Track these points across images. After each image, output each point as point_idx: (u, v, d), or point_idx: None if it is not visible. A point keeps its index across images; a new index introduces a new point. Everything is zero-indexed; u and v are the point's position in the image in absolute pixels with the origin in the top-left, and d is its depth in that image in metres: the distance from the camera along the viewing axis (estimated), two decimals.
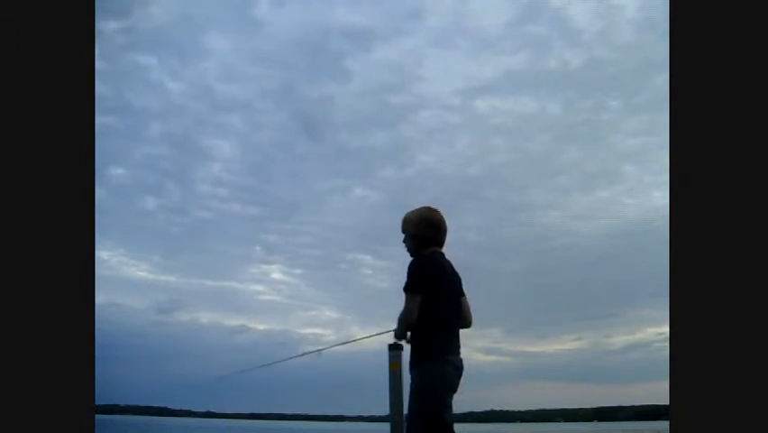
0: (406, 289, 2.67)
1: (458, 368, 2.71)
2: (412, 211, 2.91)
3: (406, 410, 2.77)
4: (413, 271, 2.70)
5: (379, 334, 3.00)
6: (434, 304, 2.68)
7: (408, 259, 2.83)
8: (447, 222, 2.89)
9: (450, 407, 2.64)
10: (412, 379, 2.67)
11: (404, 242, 2.92)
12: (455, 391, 2.68)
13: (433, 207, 2.91)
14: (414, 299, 2.63)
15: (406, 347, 2.87)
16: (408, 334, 2.82)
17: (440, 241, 2.86)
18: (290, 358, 3.52)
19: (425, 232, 2.84)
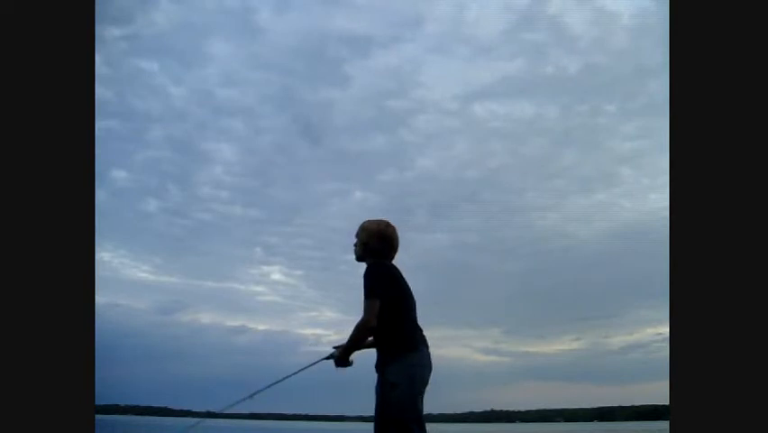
0: (365, 296, 2.68)
1: (430, 361, 2.74)
2: (370, 221, 2.97)
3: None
4: (370, 277, 2.73)
5: (321, 360, 2.96)
6: (400, 302, 2.74)
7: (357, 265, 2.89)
8: (399, 241, 2.95)
9: (422, 401, 2.66)
10: (386, 375, 2.66)
11: (354, 246, 2.97)
12: (427, 385, 2.70)
13: (391, 223, 2.97)
14: (373, 305, 2.64)
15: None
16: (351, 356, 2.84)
17: (389, 256, 2.91)
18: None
19: (375, 244, 2.89)
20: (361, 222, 2.99)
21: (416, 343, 2.71)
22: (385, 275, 2.77)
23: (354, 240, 2.98)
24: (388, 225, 2.96)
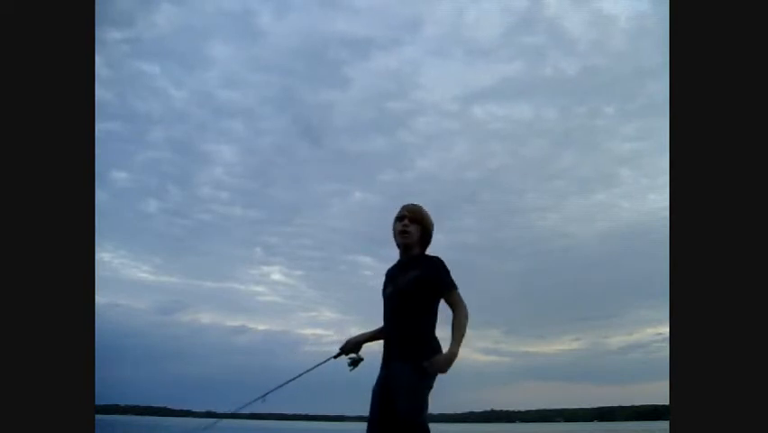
0: (454, 285, 2.64)
1: None
2: (427, 211, 2.86)
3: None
4: (445, 268, 2.69)
5: (336, 356, 2.90)
6: (438, 305, 2.70)
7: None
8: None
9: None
10: (412, 379, 2.55)
11: (406, 226, 2.79)
12: None
13: None
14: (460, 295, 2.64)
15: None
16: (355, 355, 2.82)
17: (425, 249, 2.87)
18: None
19: (429, 235, 2.85)
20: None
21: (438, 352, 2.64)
22: None
23: (405, 221, 2.80)
24: None
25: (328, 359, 2.91)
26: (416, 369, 2.53)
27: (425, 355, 2.55)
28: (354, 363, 2.85)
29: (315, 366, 2.93)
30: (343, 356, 2.88)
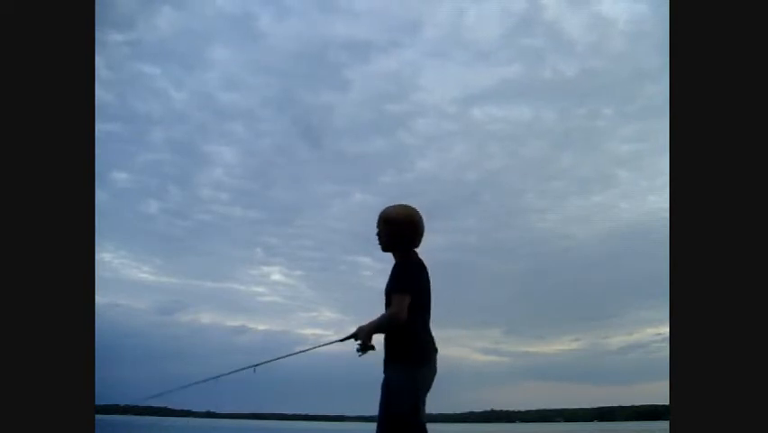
0: (398, 289, 2.62)
1: (436, 369, 2.71)
2: (394, 207, 2.83)
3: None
4: (404, 272, 2.68)
5: (343, 339, 2.84)
6: (422, 305, 2.70)
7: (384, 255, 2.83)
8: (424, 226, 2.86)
9: (425, 407, 2.63)
10: (395, 378, 2.60)
11: (378, 235, 2.84)
12: (429, 389, 2.68)
13: (413, 206, 2.85)
14: (405, 300, 2.59)
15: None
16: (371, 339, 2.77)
17: (417, 244, 2.82)
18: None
19: (407, 232, 2.79)
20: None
21: (430, 354, 2.67)
22: (415, 274, 2.71)
23: (376, 229, 2.83)
24: (414, 210, 2.82)
25: (335, 341, 2.90)
26: (405, 369, 2.58)
27: (412, 355, 2.60)
28: (364, 349, 2.84)
29: (318, 346, 2.96)
30: (352, 340, 2.87)
